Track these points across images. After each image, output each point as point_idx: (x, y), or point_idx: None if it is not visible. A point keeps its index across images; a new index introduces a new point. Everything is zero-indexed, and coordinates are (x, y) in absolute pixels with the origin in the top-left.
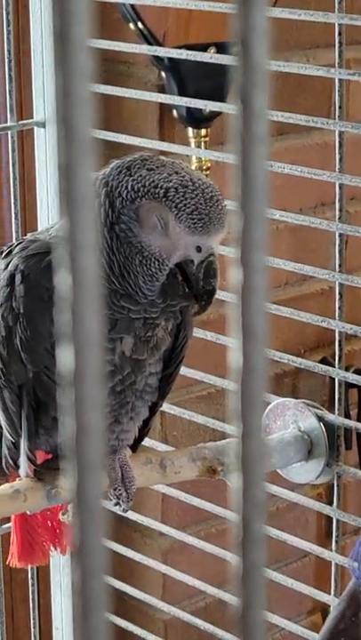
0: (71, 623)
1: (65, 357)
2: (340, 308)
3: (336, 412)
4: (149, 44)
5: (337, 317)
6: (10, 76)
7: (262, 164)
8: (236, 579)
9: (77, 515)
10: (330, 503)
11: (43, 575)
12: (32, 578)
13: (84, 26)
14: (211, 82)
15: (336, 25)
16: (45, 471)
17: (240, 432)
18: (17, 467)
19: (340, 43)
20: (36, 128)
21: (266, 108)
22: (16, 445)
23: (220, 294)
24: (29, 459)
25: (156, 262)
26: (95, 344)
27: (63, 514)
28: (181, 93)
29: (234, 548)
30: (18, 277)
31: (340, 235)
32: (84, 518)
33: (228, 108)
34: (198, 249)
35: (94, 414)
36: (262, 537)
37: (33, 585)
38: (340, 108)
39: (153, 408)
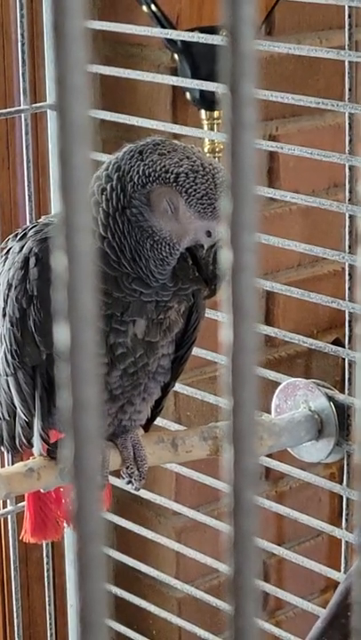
0: None
1: (61, 334)
2: (349, 288)
3: (346, 391)
4: (162, 26)
5: (347, 298)
6: (23, 59)
7: (251, 148)
8: (228, 547)
9: (75, 484)
10: (341, 483)
11: (57, 553)
12: (47, 556)
13: (80, 17)
14: None
15: (346, 7)
16: (58, 450)
17: (231, 405)
18: (31, 445)
19: (350, 25)
20: (49, 111)
21: (253, 95)
22: (30, 425)
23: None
24: (43, 438)
25: (167, 246)
26: (90, 321)
27: None
28: (194, 76)
29: (226, 518)
30: (32, 260)
31: (351, 216)
32: (81, 488)
33: None
34: (208, 233)
35: (90, 389)
36: (254, 506)
37: (48, 563)
38: (350, 90)
39: (165, 388)
